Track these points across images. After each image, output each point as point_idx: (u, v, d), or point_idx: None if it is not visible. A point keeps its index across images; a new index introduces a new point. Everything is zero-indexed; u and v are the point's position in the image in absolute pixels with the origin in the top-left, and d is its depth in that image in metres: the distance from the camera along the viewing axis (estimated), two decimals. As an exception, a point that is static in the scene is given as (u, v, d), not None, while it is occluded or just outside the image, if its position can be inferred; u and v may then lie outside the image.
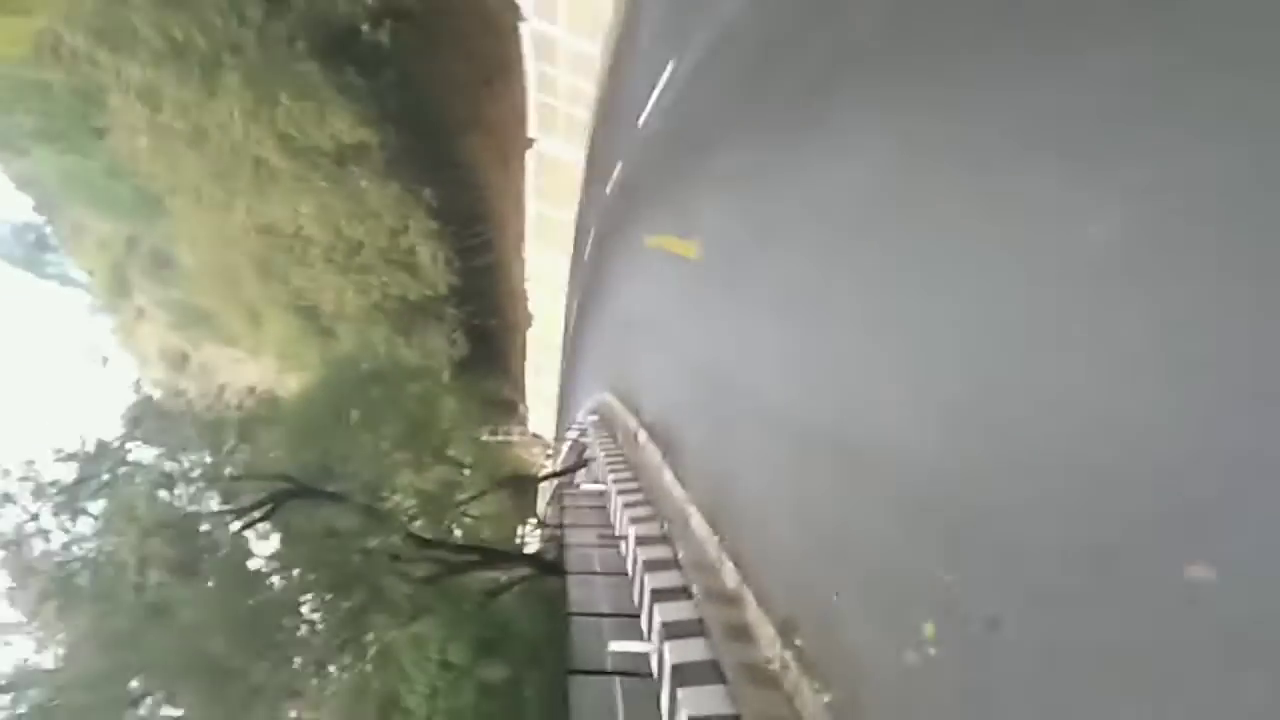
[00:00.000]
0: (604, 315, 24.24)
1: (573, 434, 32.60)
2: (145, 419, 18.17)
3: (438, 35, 34.24)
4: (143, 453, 17.81)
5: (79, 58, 24.89)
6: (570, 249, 39.59)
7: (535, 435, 67.61)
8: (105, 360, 77.49)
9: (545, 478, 33.87)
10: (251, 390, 22.73)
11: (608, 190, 22.64)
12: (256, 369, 52.28)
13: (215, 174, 31.31)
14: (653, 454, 12.02)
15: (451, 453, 32.95)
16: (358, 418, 24.93)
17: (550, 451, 65.77)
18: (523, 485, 72.35)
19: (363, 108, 29.08)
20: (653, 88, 14.22)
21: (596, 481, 20.49)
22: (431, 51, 34.55)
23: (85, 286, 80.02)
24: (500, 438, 65.31)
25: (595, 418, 23.48)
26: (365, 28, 28.27)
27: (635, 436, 14.08)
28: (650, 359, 14.38)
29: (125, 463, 17.29)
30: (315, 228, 34.24)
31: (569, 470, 32.46)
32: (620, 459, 14.87)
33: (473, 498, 32.00)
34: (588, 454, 26.91)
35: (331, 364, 28.77)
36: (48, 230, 78.93)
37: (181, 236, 44.67)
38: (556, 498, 33.29)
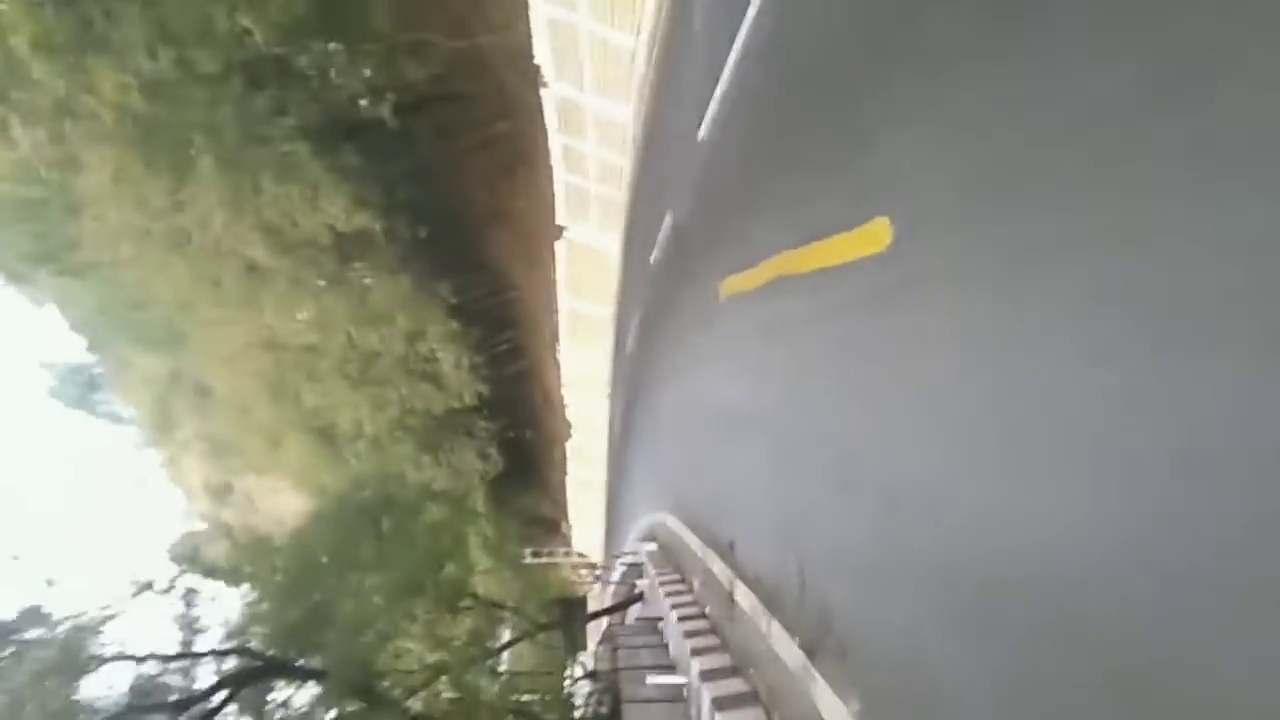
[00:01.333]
0: (657, 415, 19.58)
1: (622, 566, 27.67)
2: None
3: (452, 121, 31.15)
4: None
5: (41, 152, 21.74)
6: (609, 347, 35.39)
7: (580, 555, 62.37)
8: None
9: (593, 616, 28.49)
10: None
11: (653, 258, 18.42)
12: (294, 498, 48.69)
13: (202, 282, 27.84)
14: (782, 643, 7.02)
15: (482, 591, 28.09)
16: (361, 559, 20.54)
17: (598, 572, 60.40)
18: (570, 611, 66.44)
19: (362, 190, 25.49)
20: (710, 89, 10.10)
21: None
22: (445, 140, 31.40)
23: (134, 422, 79.38)
24: (543, 559, 60.21)
25: (652, 547, 18.51)
26: (364, 103, 24.97)
27: (730, 597, 9.11)
28: (738, 466, 9.58)
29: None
30: (319, 336, 30.47)
31: (620, 607, 27.16)
32: (703, 627, 9.91)
33: (507, 645, 26.83)
34: (646, 596, 22.02)
35: (331, 496, 24.46)
36: (98, 370, 78.65)
37: (198, 360, 41.42)
38: (608, 638, 28.04)
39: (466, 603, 24.43)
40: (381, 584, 19.15)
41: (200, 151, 21.58)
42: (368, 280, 28.79)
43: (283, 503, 47.01)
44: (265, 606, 18.83)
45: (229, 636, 17.09)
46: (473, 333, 34.04)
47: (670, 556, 16.24)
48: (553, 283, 36.11)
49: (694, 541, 12.95)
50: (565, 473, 50.89)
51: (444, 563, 22.53)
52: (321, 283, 28.22)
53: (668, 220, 15.67)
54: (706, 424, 11.64)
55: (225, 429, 47.50)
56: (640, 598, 24.51)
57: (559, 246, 33.66)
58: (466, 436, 39.99)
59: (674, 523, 15.85)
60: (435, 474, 39.86)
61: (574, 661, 43.66)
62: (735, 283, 9.13)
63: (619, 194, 27.07)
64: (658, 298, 18.80)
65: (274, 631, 16.88)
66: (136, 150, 21.44)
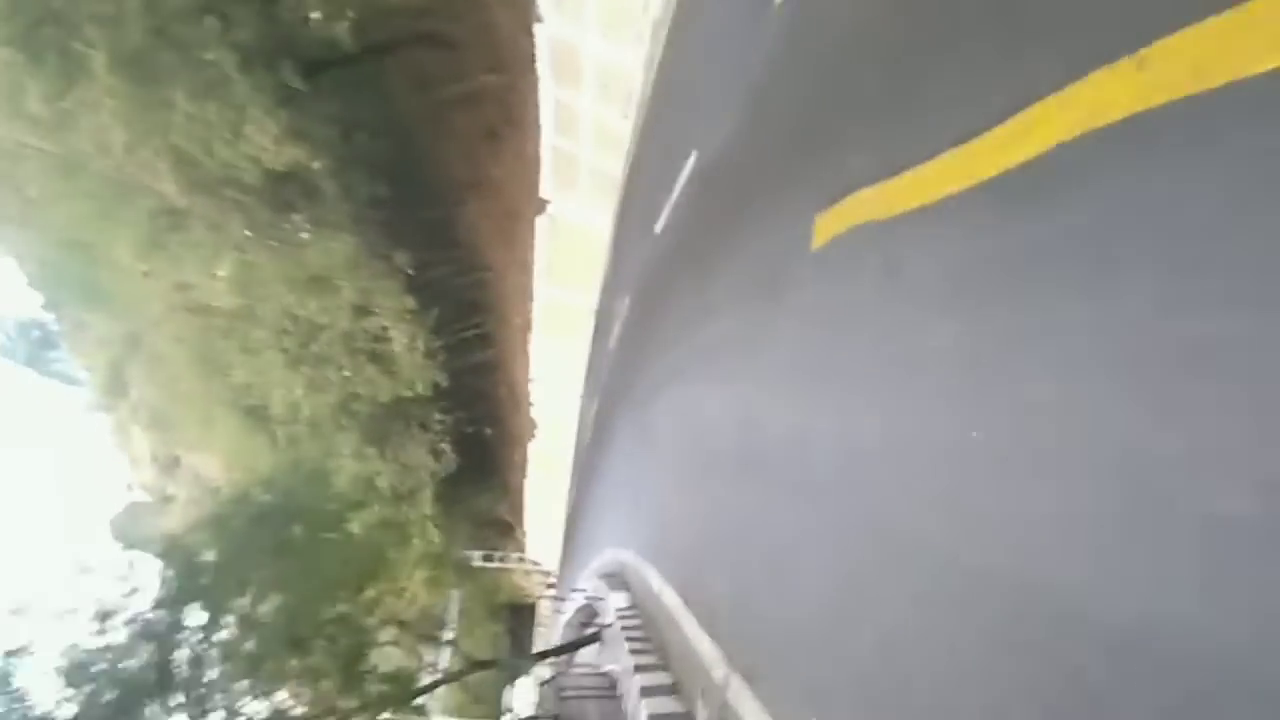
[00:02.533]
0: (648, 431, 15.52)
1: (578, 599, 23.71)
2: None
3: (431, 69, 26.90)
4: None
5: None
6: (587, 341, 31.35)
7: (534, 563, 58.22)
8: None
9: (541, 656, 24.32)
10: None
11: (659, 225, 14.46)
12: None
13: (109, 221, 23.23)
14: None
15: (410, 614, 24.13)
16: (255, 577, 16.44)
17: (551, 581, 56.41)
18: (518, 617, 62.13)
19: (302, 122, 20.97)
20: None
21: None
22: (422, 90, 27.15)
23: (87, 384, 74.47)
24: (494, 564, 56.04)
25: (621, 601, 14.47)
26: (316, 17, 20.49)
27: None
28: (826, 552, 5.41)
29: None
30: (247, 300, 26.02)
31: (572, 648, 23.07)
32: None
33: (432, 686, 22.73)
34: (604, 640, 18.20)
35: (226, 500, 20.37)
36: (55, 328, 73.71)
37: (132, 320, 36.62)
38: (553, 682, 24.01)
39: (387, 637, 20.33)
40: (273, 616, 15.02)
41: (92, 46, 17.04)
42: (305, 235, 24.34)
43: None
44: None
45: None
46: (432, 313, 29.67)
47: (645, 623, 12.27)
48: (529, 265, 32.00)
49: (671, 602, 9.05)
50: (525, 475, 46.64)
51: (361, 588, 18.36)
52: (248, 233, 23.75)
53: (688, 166, 11.66)
54: (753, 459, 7.47)
55: (160, 399, 42.78)
56: (596, 639, 20.60)
57: (540, 223, 29.56)
58: (419, 429, 35.60)
59: (656, 581, 11.82)
60: (380, 468, 35.45)
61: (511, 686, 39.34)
62: (836, 218, 5.13)
63: (615, 160, 23.11)
64: (662, 276, 14.77)
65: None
66: (12, 41, 16.90)
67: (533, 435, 41.49)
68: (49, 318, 73.17)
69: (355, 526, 21.22)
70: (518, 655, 61.98)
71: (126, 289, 30.11)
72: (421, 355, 29.67)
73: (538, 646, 60.98)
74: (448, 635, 56.02)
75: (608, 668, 16.91)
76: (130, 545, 20.60)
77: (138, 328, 35.52)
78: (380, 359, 29.62)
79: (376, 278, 26.26)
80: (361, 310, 27.44)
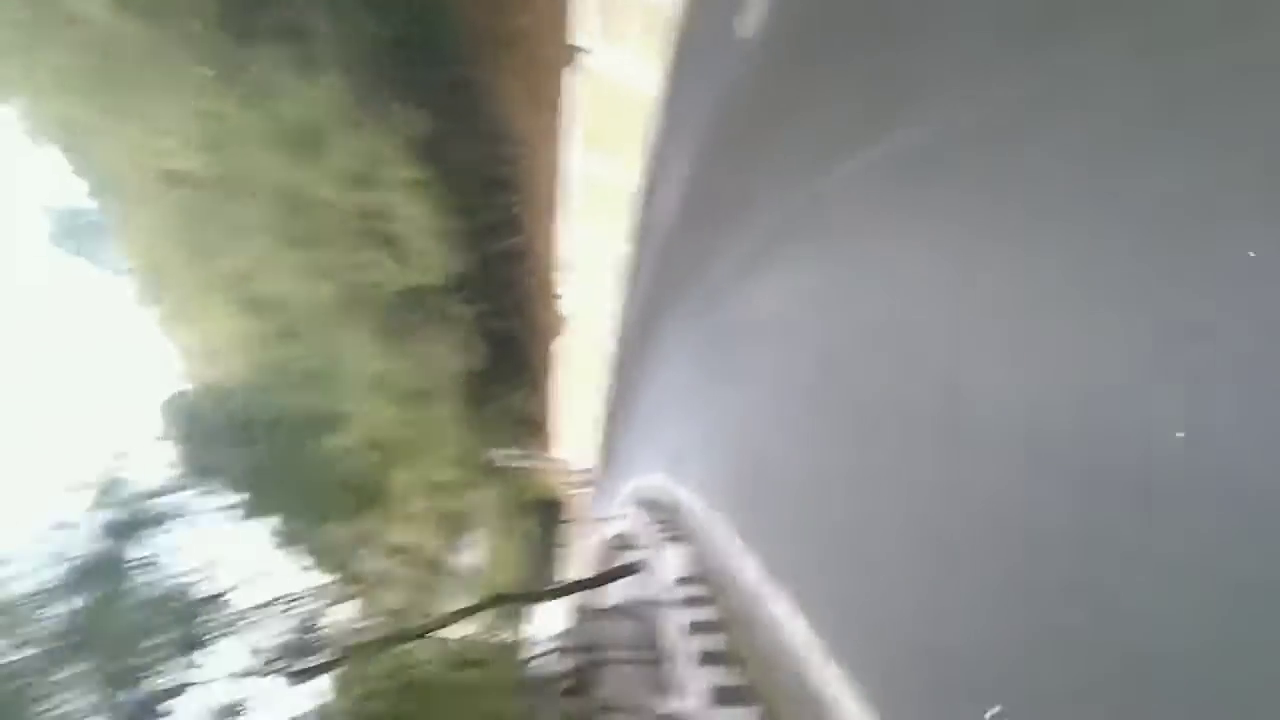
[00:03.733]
0: (725, 332, 11.42)
1: (615, 527, 20.54)
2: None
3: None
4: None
5: None
6: (627, 227, 27.07)
7: (564, 462, 55.66)
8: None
9: (567, 589, 21.03)
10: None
11: (747, 25, 10.09)
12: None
13: (39, 50, 18.73)
14: None
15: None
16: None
17: (584, 480, 54.04)
18: (549, 514, 60.10)
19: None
20: None
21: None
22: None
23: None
24: (523, 463, 53.55)
25: (677, 560, 10.82)
26: None
27: None
28: None
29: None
30: (218, 165, 21.84)
31: (606, 579, 19.76)
32: None
33: (447, 620, 19.78)
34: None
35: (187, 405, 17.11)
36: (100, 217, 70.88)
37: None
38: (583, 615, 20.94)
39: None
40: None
41: None
42: (283, 78, 19.84)
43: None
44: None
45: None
46: (449, 188, 25.41)
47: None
48: (562, 133, 27.41)
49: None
50: (556, 373, 43.12)
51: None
52: (208, 72, 19.38)
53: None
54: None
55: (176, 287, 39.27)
56: (632, 571, 17.40)
57: (575, 80, 24.84)
58: (439, 322, 31.87)
59: (737, 551, 8.11)
60: (398, 366, 31.97)
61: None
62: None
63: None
64: (752, 104, 10.41)
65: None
66: None
67: (562, 330, 37.64)
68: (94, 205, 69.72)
69: (349, 439, 17.91)
70: (547, 551, 60.76)
71: (103, 153, 26.08)
72: (435, 238, 25.58)
73: (566, 540, 59.55)
74: (477, 533, 54.48)
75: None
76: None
77: (127, 205, 31.69)
78: (388, 241, 25.58)
79: (377, 139, 21.88)
80: (362, 181, 23.21)
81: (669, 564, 10.68)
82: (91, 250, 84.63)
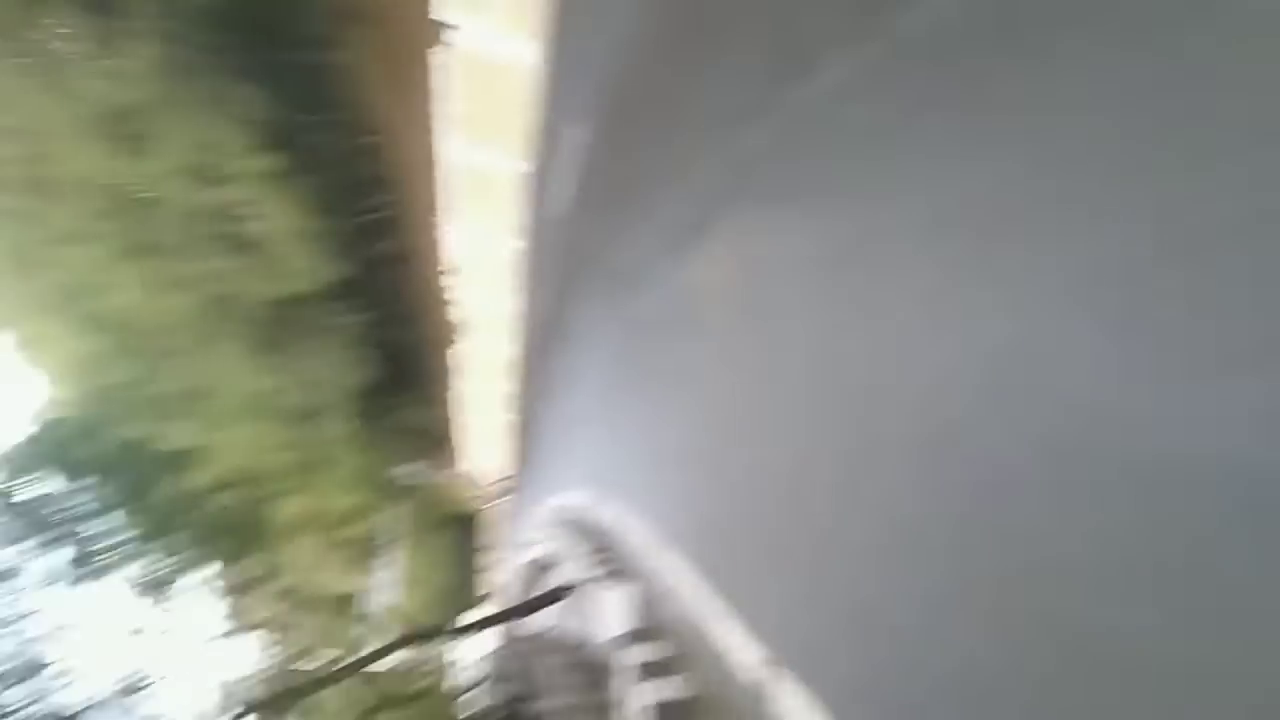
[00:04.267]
0: (657, 316, 9.38)
1: (536, 550, 18.58)
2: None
3: None
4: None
5: None
6: (518, 217, 24.82)
7: (475, 474, 53.18)
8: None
9: (489, 621, 18.75)
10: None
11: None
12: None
13: None
14: None
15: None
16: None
17: (497, 491, 51.72)
18: (462, 529, 57.26)
19: None
20: None
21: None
22: None
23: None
24: (426, 480, 50.72)
25: (621, 607, 8.87)
26: None
27: None
28: None
29: None
30: (27, 160, 18.53)
31: (532, 607, 17.61)
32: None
33: (364, 660, 17.44)
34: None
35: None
36: None
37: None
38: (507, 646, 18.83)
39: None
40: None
41: None
42: (82, 50, 16.67)
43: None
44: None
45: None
46: (311, 186, 22.59)
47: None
48: (433, 122, 24.90)
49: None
50: (457, 383, 40.44)
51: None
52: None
53: None
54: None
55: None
56: (562, 596, 15.08)
57: (441, 60, 22.40)
58: (319, 334, 28.86)
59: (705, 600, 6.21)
60: (275, 384, 28.85)
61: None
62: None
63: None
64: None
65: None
66: None
67: (457, 337, 35.05)
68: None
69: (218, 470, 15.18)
70: (464, 569, 58.09)
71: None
72: (301, 241, 22.74)
73: (483, 557, 57.05)
74: (384, 559, 51.40)
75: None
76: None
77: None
78: (246, 246, 22.58)
79: (214, 127, 18.92)
80: (203, 175, 20.17)
81: (611, 608, 8.72)
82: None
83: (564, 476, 18.30)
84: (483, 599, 56.15)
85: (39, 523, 15.97)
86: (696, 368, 7.35)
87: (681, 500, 7.64)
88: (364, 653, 18.12)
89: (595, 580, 10.13)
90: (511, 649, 18.85)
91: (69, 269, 22.44)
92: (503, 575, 32.65)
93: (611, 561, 10.31)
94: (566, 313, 18.14)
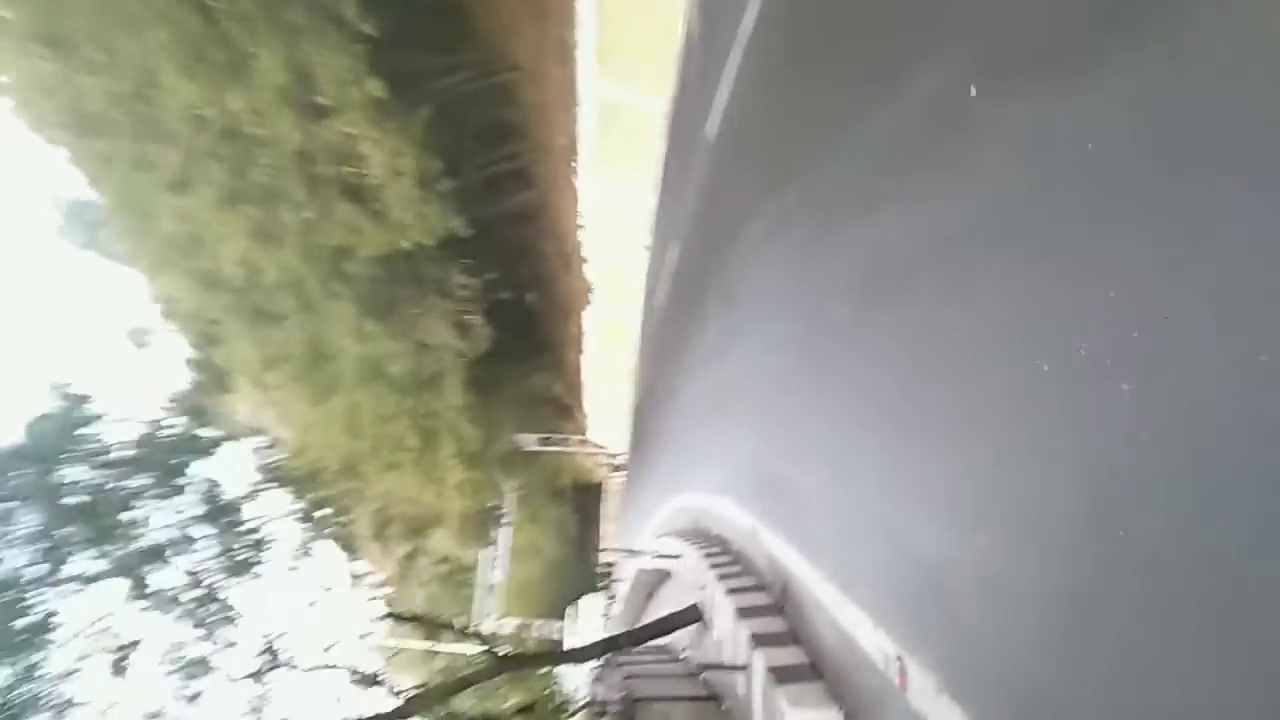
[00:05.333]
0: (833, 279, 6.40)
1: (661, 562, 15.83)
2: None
3: None
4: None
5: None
6: (656, 168, 21.47)
7: (597, 445, 50.78)
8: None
9: (614, 644, 15.68)
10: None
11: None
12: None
13: None
14: None
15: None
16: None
17: (617, 462, 49.30)
18: (585, 498, 55.42)
19: None
20: None
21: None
22: None
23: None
24: (553, 447, 48.64)
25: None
26: None
27: None
28: None
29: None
30: (112, 93, 16.60)
31: (663, 629, 14.48)
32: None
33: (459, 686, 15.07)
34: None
35: None
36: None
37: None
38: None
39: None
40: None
41: None
42: None
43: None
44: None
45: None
46: (434, 125, 19.94)
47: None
48: (571, 50, 21.82)
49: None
50: (582, 350, 37.78)
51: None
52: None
53: None
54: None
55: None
56: (696, 618, 12.63)
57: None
58: (436, 296, 26.61)
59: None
60: (390, 348, 26.87)
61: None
62: None
63: None
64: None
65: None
66: None
67: (588, 301, 32.21)
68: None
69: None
70: (583, 535, 56.35)
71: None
72: (419, 186, 20.15)
73: (605, 527, 55.10)
74: (504, 525, 50.08)
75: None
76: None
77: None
78: (357, 193, 20.21)
79: (320, 45, 16.33)
80: (311, 111, 17.81)
81: (759, 664, 7.07)
82: (100, 241, 79.95)
83: (694, 475, 15.64)
84: (603, 572, 54.38)
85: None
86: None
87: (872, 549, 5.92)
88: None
89: (736, 613, 8.52)
90: (624, 666, 16.05)
91: (178, 219, 20.83)
92: (620, 581, 29.80)
93: (756, 588, 9.04)
94: (698, 275, 15.17)
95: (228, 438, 16.47)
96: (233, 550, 14.00)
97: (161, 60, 16.06)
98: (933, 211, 5.04)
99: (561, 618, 45.11)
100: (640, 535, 23.50)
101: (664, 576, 17.94)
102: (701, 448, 14.92)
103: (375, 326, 25.73)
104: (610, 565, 54.27)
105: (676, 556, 14.24)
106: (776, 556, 8.52)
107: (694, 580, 12.24)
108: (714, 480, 13.11)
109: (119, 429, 13.86)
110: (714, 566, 10.72)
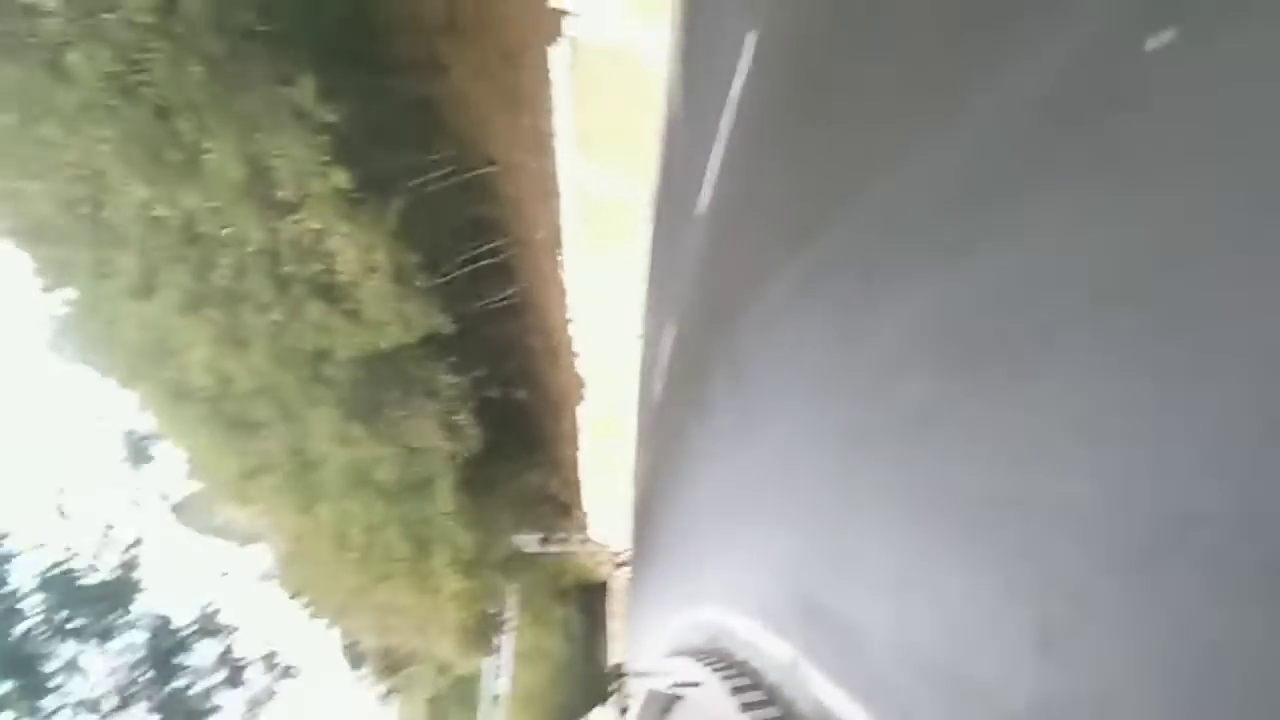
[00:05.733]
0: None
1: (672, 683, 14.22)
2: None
3: None
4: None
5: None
6: (645, 247, 20.50)
7: (599, 544, 48.91)
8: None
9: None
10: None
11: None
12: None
13: None
14: None
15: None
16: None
17: (621, 559, 47.61)
18: (589, 599, 53.16)
19: None
20: None
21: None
22: None
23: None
24: (553, 548, 46.90)
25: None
26: None
27: None
28: None
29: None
30: (63, 196, 15.68)
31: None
32: None
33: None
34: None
35: None
36: None
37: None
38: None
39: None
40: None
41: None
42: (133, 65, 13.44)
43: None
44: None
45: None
46: (408, 217, 19.02)
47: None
48: (548, 138, 21.14)
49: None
50: (577, 447, 36.24)
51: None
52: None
53: None
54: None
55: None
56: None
57: (557, 59, 18.62)
58: (423, 397, 25.34)
59: None
60: (376, 453, 25.45)
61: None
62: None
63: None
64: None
65: None
66: None
67: (581, 396, 30.90)
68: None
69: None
70: (589, 638, 53.90)
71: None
72: (392, 281, 19.10)
73: (612, 625, 52.78)
74: (507, 631, 47.73)
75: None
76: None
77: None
78: (328, 292, 19.12)
79: (278, 136, 15.41)
80: (273, 206, 16.83)
81: None
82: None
83: (701, 586, 14.44)
84: (611, 676, 51.90)
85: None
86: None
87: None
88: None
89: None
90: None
91: (142, 327, 19.72)
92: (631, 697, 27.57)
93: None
94: (697, 364, 13.91)
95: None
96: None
97: (108, 159, 15.20)
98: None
99: (571, 728, 42.56)
100: (649, 649, 21.67)
101: (676, 699, 16.19)
102: (717, 554, 13.39)
103: (359, 431, 24.38)
104: (620, 668, 51.92)
105: (695, 684, 12.49)
106: (824, 702, 7.01)
107: (717, 715, 10.48)
108: (737, 594, 11.49)
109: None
110: (746, 709, 9.10)
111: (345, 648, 51.89)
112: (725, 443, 12.15)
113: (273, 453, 25.68)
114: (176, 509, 37.32)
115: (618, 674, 51.18)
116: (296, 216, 17.05)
